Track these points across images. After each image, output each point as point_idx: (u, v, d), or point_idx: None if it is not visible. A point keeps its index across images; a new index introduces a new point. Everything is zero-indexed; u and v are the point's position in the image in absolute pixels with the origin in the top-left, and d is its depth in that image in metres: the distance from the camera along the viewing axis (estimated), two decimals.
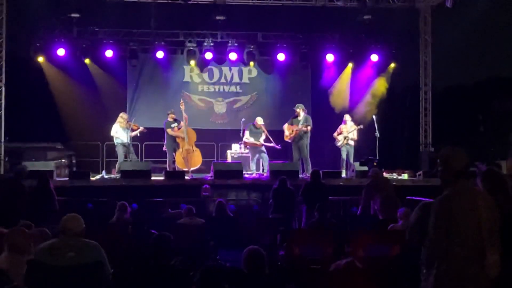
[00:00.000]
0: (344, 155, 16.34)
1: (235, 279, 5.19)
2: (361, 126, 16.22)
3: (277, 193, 11.94)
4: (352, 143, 16.34)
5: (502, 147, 16.59)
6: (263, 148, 16.43)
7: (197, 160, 16.31)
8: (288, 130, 16.13)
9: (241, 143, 16.81)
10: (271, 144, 16.38)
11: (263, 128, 16.42)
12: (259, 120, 16.49)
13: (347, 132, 16.24)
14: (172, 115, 16.40)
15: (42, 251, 5.56)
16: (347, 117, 16.55)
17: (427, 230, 4.53)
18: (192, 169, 16.09)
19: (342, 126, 16.43)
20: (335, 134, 16.44)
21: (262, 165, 16.51)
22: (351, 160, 16.24)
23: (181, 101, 17.01)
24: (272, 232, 9.62)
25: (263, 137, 16.40)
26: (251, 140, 16.39)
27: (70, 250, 5.49)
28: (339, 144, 16.35)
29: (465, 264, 4.42)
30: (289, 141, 16.16)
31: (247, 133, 16.52)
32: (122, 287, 5.59)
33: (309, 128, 15.86)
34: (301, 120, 15.94)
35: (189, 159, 16.13)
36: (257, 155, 16.49)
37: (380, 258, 7.49)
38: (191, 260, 7.37)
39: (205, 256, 8.43)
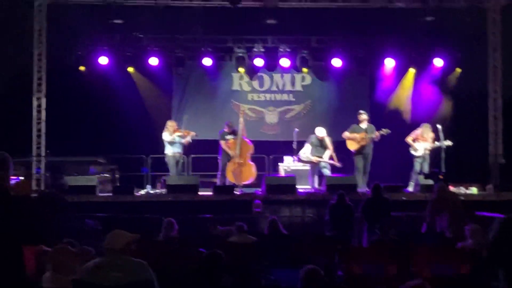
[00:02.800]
0: (417, 167, 16.11)
1: None
2: (450, 143, 15.97)
3: (335, 209, 11.87)
4: (428, 154, 16.16)
5: None
6: (324, 163, 16.31)
7: (247, 175, 16.29)
8: (355, 139, 15.98)
9: (295, 157, 16.75)
10: (332, 161, 16.26)
11: (327, 142, 16.29)
12: (319, 132, 16.38)
13: (425, 141, 16.03)
14: (229, 126, 16.45)
15: (87, 271, 5.60)
16: (424, 125, 16.32)
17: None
18: (243, 183, 16.09)
19: (418, 133, 16.21)
20: (409, 139, 16.25)
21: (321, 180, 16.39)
22: (427, 169, 15.99)
23: (241, 110, 16.98)
24: (330, 251, 9.54)
25: (328, 152, 16.27)
26: (307, 156, 16.29)
27: (115, 269, 5.51)
28: (417, 153, 16.15)
29: None
30: (353, 150, 16.03)
31: (307, 146, 16.41)
32: None
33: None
34: (367, 128, 15.87)
35: (239, 173, 16.14)
36: (318, 170, 16.39)
37: (448, 279, 7.37)
38: (242, 280, 7.37)
39: (257, 276, 8.39)
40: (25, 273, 5.34)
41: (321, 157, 16.23)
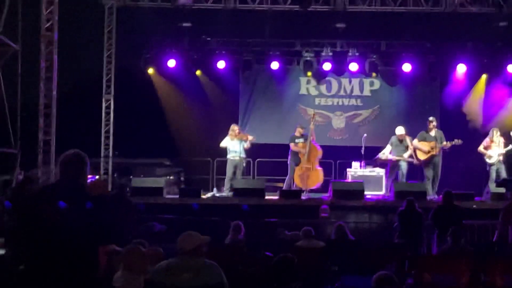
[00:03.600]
0: (493, 175, 15.81)
1: None
2: None
3: (404, 216, 11.72)
4: (502, 159, 15.88)
5: None
6: (403, 164, 16.20)
7: (314, 180, 16.25)
8: (425, 147, 15.80)
9: (362, 162, 16.66)
10: (411, 159, 16.12)
11: (407, 141, 16.17)
12: (399, 130, 16.26)
13: (497, 147, 15.78)
14: (300, 130, 16.47)
15: (159, 271, 5.67)
16: (494, 131, 16.04)
17: None
18: (310, 188, 16.06)
19: (488, 140, 15.95)
20: (481, 148, 15.99)
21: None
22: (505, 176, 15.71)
23: (312, 114, 16.97)
24: (399, 258, 9.44)
25: (408, 152, 16.16)
26: (386, 156, 16.21)
27: (186, 270, 5.56)
28: (492, 160, 15.89)
29: None
30: (422, 160, 15.83)
31: (387, 147, 16.32)
32: None
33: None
34: (437, 136, 15.67)
35: (306, 178, 16.12)
36: (396, 171, 16.30)
37: None
38: (310, 285, 7.36)
39: (325, 282, 8.37)
40: (99, 272, 5.42)
41: (401, 156, 16.09)
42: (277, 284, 5.67)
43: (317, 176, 16.28)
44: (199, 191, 15.56)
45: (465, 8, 18.05)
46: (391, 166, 16.31)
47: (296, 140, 16.40)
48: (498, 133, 15.95)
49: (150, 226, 11.40)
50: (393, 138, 16.30)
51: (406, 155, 16.09)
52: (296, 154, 16.36)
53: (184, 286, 5.47)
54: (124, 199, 11.73)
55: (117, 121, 18.37)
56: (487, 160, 15.87)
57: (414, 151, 15.96)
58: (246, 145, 16.17)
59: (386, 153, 16.30)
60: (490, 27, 18.03)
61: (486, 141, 15.96)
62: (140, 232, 10.15)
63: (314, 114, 16.93)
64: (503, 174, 15.68)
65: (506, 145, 15.81)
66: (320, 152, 16.37)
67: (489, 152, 15.83)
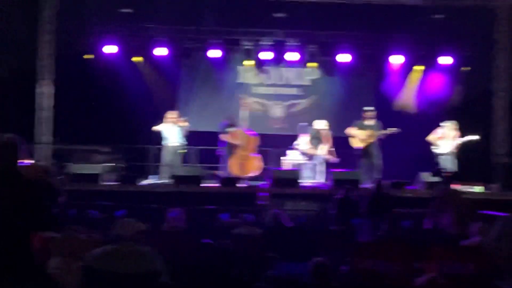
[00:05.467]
0: (448, 164, 16.02)
1: None
2: (477, 137, 16.05)
3: (340, 204, 11.85)
4: (454, 151, 16.18)
5: None
6: (319, 156, 16.30)
7: (252, 167, 16.30)
8: (359, 136, 15.93)
9: (292, 148, 16.79)
10: (326, 156, 16.25)
11: (324, 135, 16.26)
12: (317, 124, 16.35)
13: (448, 139, 16.06)
14: (231, 118, 16.45)
15: (95, 258, 5.57)
16: (446, 123, 16.31)
17: None
18: (248, 175, 16.08)
19: (440, 131, 16.20)
20: (431, 138, 16.24)
21: (318, 173, 16.37)
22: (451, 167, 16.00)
23: (244, 101, 16.97)
24: (335, 245, 9.52)
25: (324, 146, 16.24)
26: (303, 147, 16.31)
27: (124, 257, 5.49)
28: (441, 151, 16.14)
29: None
30: (357, 147, 15.97)
31: (302, 138, 16.40)
32: None
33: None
34: (374, 125, 15.84)
35: (243, 166, 16.13)
36: (314, 162, 16.37)
37: (454, 276, 7.34)
38: (249, 272, 7.35)
39: (263, 268, 8.38)
40: (33, 258, 5.33)
41: (317, 149, 16.20)
42: (216, 271, 5.63)
43: (255, 163, 16.32)
44: (137, 178, 15.45)
45: (401, 0, 18.29)
46: (308, 158, 16.42)
47: (227, 129, 16.39)
48: (455, 126, 16.21)
49: (87, 213, 11.23)
50: (311, 131, 16.37)
51: (321, 149, 16.22)
52: (230, 143, 16.35)
53: (121, 273, 5.40)
54: (51, 185, 11.53)
55: (58, 107, 18.01)
56: (435, 150, 16.12)
57: (351, 138, 16.11)
58: (183, 132, 16.12)
59: (301, 145, 16.37)
60: (426, 19, 18.28)
61: (437, 132, 16.21)
62: (77, 218, 9.99)
63: (245, 102, 16.92)
64: (454, 167, 15.96)
65: (460, 138, 16.09)
66: (256, 139, 16.38)
67: (439, 142, 16.09)
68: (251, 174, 16.25)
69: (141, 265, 5.45)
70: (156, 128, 16.16)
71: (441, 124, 16.31)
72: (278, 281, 5.21)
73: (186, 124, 16.21)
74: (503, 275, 6.16)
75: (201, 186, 15.08)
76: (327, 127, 16.38)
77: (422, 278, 4.96)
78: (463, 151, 16.57)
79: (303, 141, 16.45)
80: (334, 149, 16.36)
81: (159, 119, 16.89)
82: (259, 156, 16.43)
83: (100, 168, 15.57)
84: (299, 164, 16.59)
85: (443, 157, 16.10)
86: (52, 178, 11.80)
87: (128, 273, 5.34)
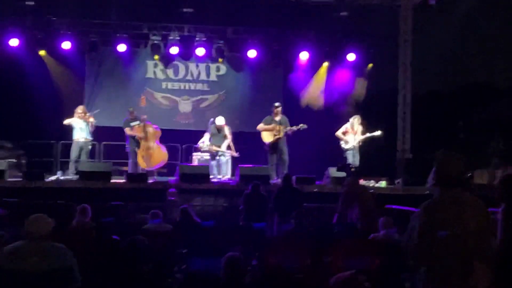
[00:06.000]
0: (350, 159, 16.35)
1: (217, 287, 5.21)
2: (380, 133, 16.43)
3: (249, 199, 11.97)
4: (358, 146, 16.47)
5: (482, 155, 16.85)
6: (222, 152, 16.42)
7: (157, 157, 16.19)
8: (269, 131, 16.06)
9: (196, 147, 16.85)
10: (229, 152, 16.37)
11: (226, 131, 16.37)
12: (218, 120, 16.41)
13: (355, 134, 16.36)
14: (132, 112, 16.37)
15: (3, 256, 5.52)
16: (353, 118, 16.61)
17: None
18: (154, 167, 16.00)
19: (348, 126, 16.51)
20: (339, 133, 16.50)
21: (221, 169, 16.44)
22: (357, 162, 16.31)
23: (142, 96, 16.91)
24: (244, 240, 9.63)
25: (226, 142, 16.35)
26: (206, 145, 16.38)
27: (35, 255, 5.46)
28: (347, 146, 16.44)
29: (448, 277, 4.46)
30: (267, 143, 16.10)
31: (206, 135, 16.48)
32: None
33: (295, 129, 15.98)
34: (282, 121, 16.01)
35: (149, 157, 16.04)
36: (216, 159, 16.47)
37: (361, 270, 7.55)
38: (158, 268, 7.37)
39: (174, 264, 8.42)
40: None
41: (219, 146, 16.31)
42: (128, 267, 5.64)
43: (160, 154, 16.24)
44: (43, 174, 15.18)
45: None
46: (211, 155, 16.52)
47: (131, 124, 16.30)
48: (359, 120, 16.55)
49: None
50: (212, 127, 16.48)
51: (223, 145, 16.36)
52: (133, 138, 16.26)
53: (32, 270, 5.36)
54: None
55: None
56: (343, 145, 16.44)
57: (259, 134, 16.25)
58: (90, 128, 15.94)
59: (206, 142, 16.48)
60: (332, 16, 18.62)
61: (345, 127, 16.52)
62: None
63: (143, 98, 16.81)
64: (357, 161, 16.31)
65: (364, 133, 16.45)
66: (157, 131, 16.34)
67: (346, 137, 16.41)
68: (157, 165, 16.14)
69: (54, 262, 5.43)
70: (66, 121, 15.89)
71: (352, 119, 16.65)
72: (191, 276, 5.26)
73: (92, 120, 15.99)
74: (409, 268, 6.37)
75: (110, 182, 14.93)
76: (223, 123, 16.39)
77: (342, 274, 5.08)
78: (367, 147, 16.96)
79: (206, 138, 16.48)
80: (232, 144, 16.44)
81: (64, 114, 16.63)
82: (163, 147, 16.35)
83: (4, 164, 15.19)
84: (206, 160, 16.64)
85: (348, 152, 16.45)
86: None
87: (41, 270, 5.32)
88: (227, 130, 16.43)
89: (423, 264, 4.54)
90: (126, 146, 16.42)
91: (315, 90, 19.85)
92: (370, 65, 19.48)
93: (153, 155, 16.10)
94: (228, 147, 16.36)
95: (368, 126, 16.75)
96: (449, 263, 4.46)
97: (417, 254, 4.54)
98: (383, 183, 16.37)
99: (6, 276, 5.36)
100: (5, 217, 10.92)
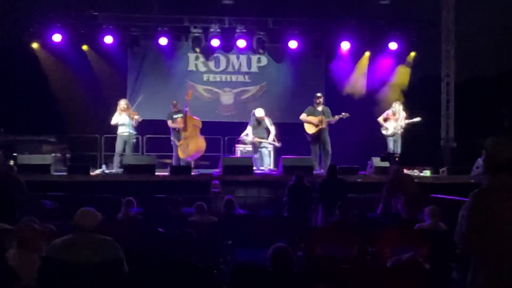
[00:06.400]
0: (391, 145, 16.32)
1: (266, 278, 5.24)
2: (419, 119, 16.31)
3: (293, 190, 11.95)
4: (400, 132, 16.42)
5: None
6: (264, 144, 16.45)
7: (194, 147, 16.09)
8: (313, 122, 16.02)
9: (239, 140, 16.87)
10: (272, 143, 16.37)
11: (267, 123, 16.38)
12: (258, 112, 16.41)
13: (396, 121, 16.29)
14: (175, 104, 16.45)
15: (56, 248, 5.63)
16: (395, 104, 16.54)
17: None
18: (191, 157, 16.06)
19: (389, 112, 16.44)
20: (380, 119, 16.48)
21: (264, 161, 16.47)
22: (398, 150, 16.26)
23: (189, 90, 16.98)
24: (289, 231, 9.64)
25: (271, 135, 16.37)
26: (248, 139, 16.41)
27: (86, 247, 5.56)
28: (388, 132, 16.39)
29: (500, 264, 4.41)
30: (310, 133, 16.06)
31: (249, 128, 16.50)
32: (141, 286, 5.62)
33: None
34: (324, 111, 15.96)
35: (186, 147, 15.98)
36: (259, 151, 16.52)
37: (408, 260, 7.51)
38: (205, 260, 7.42)
39: (219, 256, 8.47)
40: None
41: (261, 138, 16.32)
42: (179, 259, 5.69)
43: (197, 143, 16.11)
44: (88, 168, 15.35)
45: None
46: (254, 147, 16.53)
47: (174, 116, 16.36)
48: (401, 106, 16.46)
49: (40, 203, 11.15)
50: (253, 120, 16.49)
51: (269, 138, 16.39)
52: (176, 130, 16.34)
53: (83, 262, 5.46)
54: (11, 177, 11.49)
55: (1, 97, 17.76)
56: (384, 132, 16.39)
57: (302, 125, 16.22)
58: (134, 123, 16.04)
59: (250, 135, 16.48)
60: (373, 5, 18.53)
61: (387, 113, 16.46)
62: (31, 209, 9.93)
63: (190, 92, 16.83)
64: (398, 147, 16.23)
65: (407, 118, 16.36)
66: (197, 121, 16.31)
67: (386, 124, 16.34)
68: (194, 154, 16.13)
69: (103, 254, 5.52)
70: (113, 121, 15.98)
71: (393, 105, 16.56)
72: (240, 267, 5.29)
73: (137, 117, 16.05)
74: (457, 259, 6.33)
75: (155, 175, 15.05)
76: (263, 114, 16.36)
77: (400, 257, 5.07)
78: (410, 135, 16.86)
79: (250, 131, 16.48)
80: (274, 134, 16.42)
81: (107, 108, 16.79)
82: (202, 137, 16.32)
83: (50, 158, 15.40)
84: (249, 152, 16.66)
85: (389, 138, 16.38)
86: (12, 170, 11.77)
87: (91, 262, 5.41)
88: (268, 122, 16.42)
89: (473, 253, 4.50)
90: (171, 139, 16.50)
91: (357, 80, 19.76)
92: (413, 53, 19.32)
93: (189, 143, 16.05)
94: (272, 139, 16.35)
95: (411, 114, 16.64)
96: (500, 250, 4.41)
97: (468, 243, 4.49)
98: (427, 172, 16.25)
99: (57, 268, 5.46)
100: (53, 210, 11.08)
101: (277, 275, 5.36)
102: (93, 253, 5.51)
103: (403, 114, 16.40)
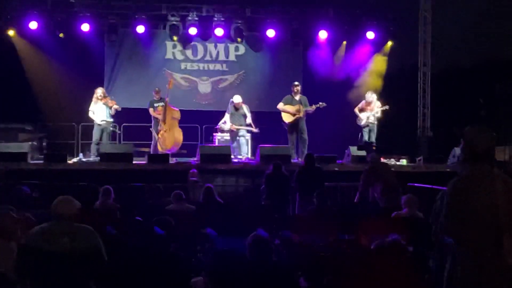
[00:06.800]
0: (366, 136, 16.38)
1: (245, 266, 5.25)
2: (387, 107, 16.35)
3: (271, 179, 11.97)
4: (375, 122, 16.47)
5: (503, 133, 16.74)
6: (242, 132, 16.47)
7: (171, 140, 16.14)
8: (290, 111, 16.05)
9: (217, 127, 16.85)
10: (249, 128, 16.39)
11: (244, 109, 16.41)
12: (236, 99, 16.42)
13: (371, 111, 16.33)
14: (157, 92, 16.40)
15: (33, 236, 5.60)
16: (369, 94, 16.57)
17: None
18: (169, 150, 16.00)
19: (364, 103, 16.49)
20: (356, 110, 16.54)
21: (241, 149, 16.49)
22: (374, 139, 16.33)
23: (170, 79, 16.96)
24: (267, 220, 9.67)
25: (247, 120, 16.38)
26: (226, 126, 16.42)
27: (63, 236, 5.53)
28: (362, 123, 16.44)
29: (480, 251, 4.47)
30: (287, 122, 16.09)
31: (227, 116, 16.50)
32: (119, 275, 5.62)
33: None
34: (301, 100, 15.99)
35: (163, 140, 16.01)
36: (236, 139, 16.54)
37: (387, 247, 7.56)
38: (184, 248, 7.44)
39: (197, 244, 8.49)
40: None
41: (239, 125, 16.34)
42: (157, 248, 5.70)
43: (173, 137, 16.17)
44: (65, 156, 15.27)
45: None
46: (231, 135, 16.55)
47: (155, 104, 16.35)
48: (374, 96, 16.51)
49: (17, 191, 11.06)
50: (230, 107, 16.51)
51: (244, 123, 16.42)
52: (156, 119, 16.30)
53: (61, 251, 5.44)
54: None
55: None
56: (358, 122, 16.46)
57: (279, 114, 16.25)
58: (111, 111, 15.96)
59: (227, 122, 16.49)
60: None
61: (362, 103, 16.53)
62: (10, 197, 9.87)
63: (171, 80, 16.84)
64: (373, 138, 16.31)
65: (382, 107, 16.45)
66: (176, 112, 16.32)
67: (361, 115, 16.41)
68: (170, 148, 16.11)
69: (81, 243, 5.51)
70: (90, 113, 15.90)
71: (366, 95, 16.61)
72: (219, 256, 5.30)
73: (117, 106, 15.94)
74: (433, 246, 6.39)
75: (132, 164, 15.01)
76: (241, 100, 16.39)
77: (383, 240, 5.10)
78: (387, 125, 16.95)
79: (228, 118, 16.49)
80: (252, 121, 16.44)
81: (84, 96, 16.69)
82: (179, 130, 16.32)
83: (27, 146, 15.30)
84: (227, 141, 16.67)
85: (364, 129, 16.45)
86: None
87: (70, 250, 5.39)
88: (245, 109, 16.44)
89: (453, 238, 4.54)
90: (151, 128, 16.46)
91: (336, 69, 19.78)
92: (390, 42, 19.40)
93: (167, 137, 16.06)
94: (248, 125, 16.36)
95: (388, 103, 16.70)
96: (480, 237, 4.46)
97: (447, 232, 4.54)
98: (404, 161, 16.37)
99: (35, 256, 5.44)
100: (32, 197, 11.00)
101: (256, 263, 5.37)
102: (71, 241, 5.49)
103: (377, 103, 16.47)
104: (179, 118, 16.36)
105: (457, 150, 14.91)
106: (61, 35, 18.66)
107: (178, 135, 16.27)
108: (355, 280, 5.12)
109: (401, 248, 5.14)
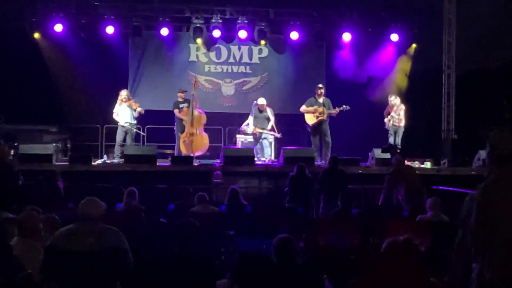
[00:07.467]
0: (391, 139, 16.31)
1: (270, 268, 5.24)
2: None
3: (295, 181, 11.98)
4: (399, 124, 16.39)
5: None
6: (265, 134, 16.45)
7: (198, 145, 16.06)
8: (313, 113, 16.01)
9: (240, 130, 16.85)
10: (272, 133, 16.37)
11: (268, 112, 16.40)
12: (261, 101, 16.43)
13: (394, 112, 16.28)
14: (181, 94, 16.41)
15: (59, 237, 5.63)
16: (392, 98, 16.50)
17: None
18: (195, 154, 16.01)
19: (389, 107, 16.44)
20: (385, 114, 16.51)
21: (264, 152, 16.47)
22: (399, 142, 16.27)
23: (195, 80, 16.97)
24: (291, 222, 9.65)
25: (270, 123, 16.38)
26: (249, 129, 16.41)
27: (89, 236, 5.56)
28: (386, 126, 16.40)
29: (510, 260, 4.40)
30: (310, 124, 16.05)
31: (250, 118, 16.50)
32: (144, 275, 5.63)
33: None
34: (325, 103, 15.95)
35: (190, 143, 15.99)
36: (260, 142, 16.53)
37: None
38: (208, 250, 7.43)
39: (221, 245, 8.49)
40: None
41: (262, 128, 16.33)
42: (182, 249, 5.70)
43: (201, 141, 16.12)
44: (90, 157, 15.35)
45: None
46: (254, 137, 16.53)
47: (180, 106, 16.34)
48: (398, 99, 16.44)
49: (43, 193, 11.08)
50: (254, 109, 16.50)
51: (267, 126, 16.38)
52: (180, 121, 16.31)
53: (87, 251, 5.46)
54: (12, 166, 11.44)
55: (2, 87, 17.72)
56: (386, 126, 16.39)
57: (302, 116, 16.22)
58: (135, 114, 16.01)
59: (250, 125, 16.48)
60: None
61: (387, 108, 16.47)
62: (33, 199, 9.91)
63: (196, 81, 16.89)
64: (398, 141, 16.23)
65: (405, 112, 16.37)
66: (203, 117, 16.29)
67: (386, 119, 16.35)
68: (198, 152, 16.12)
69: (107, 243, 5.52)
70: (114, 115, 15.96)
71: (389, 99, 16.54)
72: (243, 258, 5.29)
73: (140, 109, 15.97)
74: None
75: (156, 165, 15.05)
76: (265, 103, 16.39)
77: (395, 238, 5.06)
78: (411, 127, 16.86)
79: (251, 121, 16.48)
80: (275, 125, 16.41)
81: (108, 99, 16.77)
82: (206, 135, 16.33)
83: (51, 148, 15.39)
84: (250, 143, 16.66)
85: (390, 131, 16.38)
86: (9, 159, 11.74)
87: (97, 251, 5.41)
88: (269, 112, 16.44)
89: (483, 246, 4.48)
90: (174, 128, 16.49)
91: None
92: (414, 45, 19.31)
93: (194, 141, 16.02)
94: (271, 129, 16.35)
95: (412, 106, 16.63)
96: (510, 244, 4.40)
97: (477, 237, 4.48)
98: (428, 164, 16.26)
99: (61, 256, 5.47)
100: (57, 200, 11.05)
101: (281, 266, 5.35)
102: (97, 241, 5.51)
103: (401, 106, 16.38)
104: (205, 123, 16.39)
105: (482, 153, 14.81)
106: (85, 37, 18.69)
107: (206, 140, 16.27)
108: (380, 283, 5.08)
109: (412, 247, 5.07)
